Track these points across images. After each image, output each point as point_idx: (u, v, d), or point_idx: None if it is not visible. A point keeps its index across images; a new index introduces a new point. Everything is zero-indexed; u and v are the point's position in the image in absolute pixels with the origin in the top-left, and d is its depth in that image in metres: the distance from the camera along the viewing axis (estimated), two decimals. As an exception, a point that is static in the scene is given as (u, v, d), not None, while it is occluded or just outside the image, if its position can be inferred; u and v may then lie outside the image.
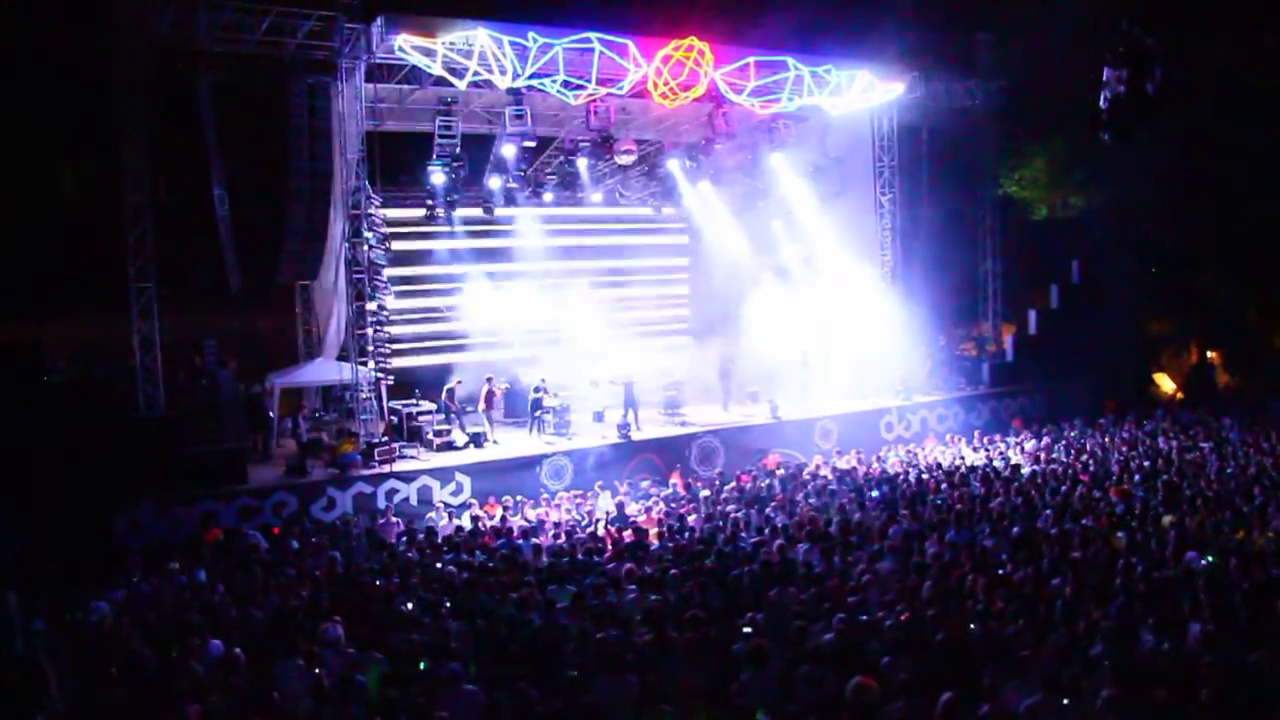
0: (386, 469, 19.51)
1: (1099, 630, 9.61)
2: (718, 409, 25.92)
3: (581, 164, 27.02)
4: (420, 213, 26.61)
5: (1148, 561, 12.01)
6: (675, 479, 21.29)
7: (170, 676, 9.65)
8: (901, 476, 19.82)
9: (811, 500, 17.78)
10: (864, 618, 10.32)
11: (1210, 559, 12.23)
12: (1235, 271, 30.03)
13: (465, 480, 19.93)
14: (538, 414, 23.32)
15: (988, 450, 23.29)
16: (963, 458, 22.44)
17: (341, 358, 21.86)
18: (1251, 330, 31.35)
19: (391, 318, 22.50)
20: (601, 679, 9.06)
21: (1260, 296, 30.33)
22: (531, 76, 20.95)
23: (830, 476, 20.32)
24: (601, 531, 16.48)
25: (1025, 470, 20.21)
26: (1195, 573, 11.50)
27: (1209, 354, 33.01)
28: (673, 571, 12.64)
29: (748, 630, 10.10)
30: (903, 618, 10.15)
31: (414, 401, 23.00)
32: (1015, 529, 14.30)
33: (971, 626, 10.23)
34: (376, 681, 9.18)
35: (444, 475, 19.85)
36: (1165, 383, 33.28)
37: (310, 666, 9.72)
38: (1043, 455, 21.99)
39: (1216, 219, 29.46)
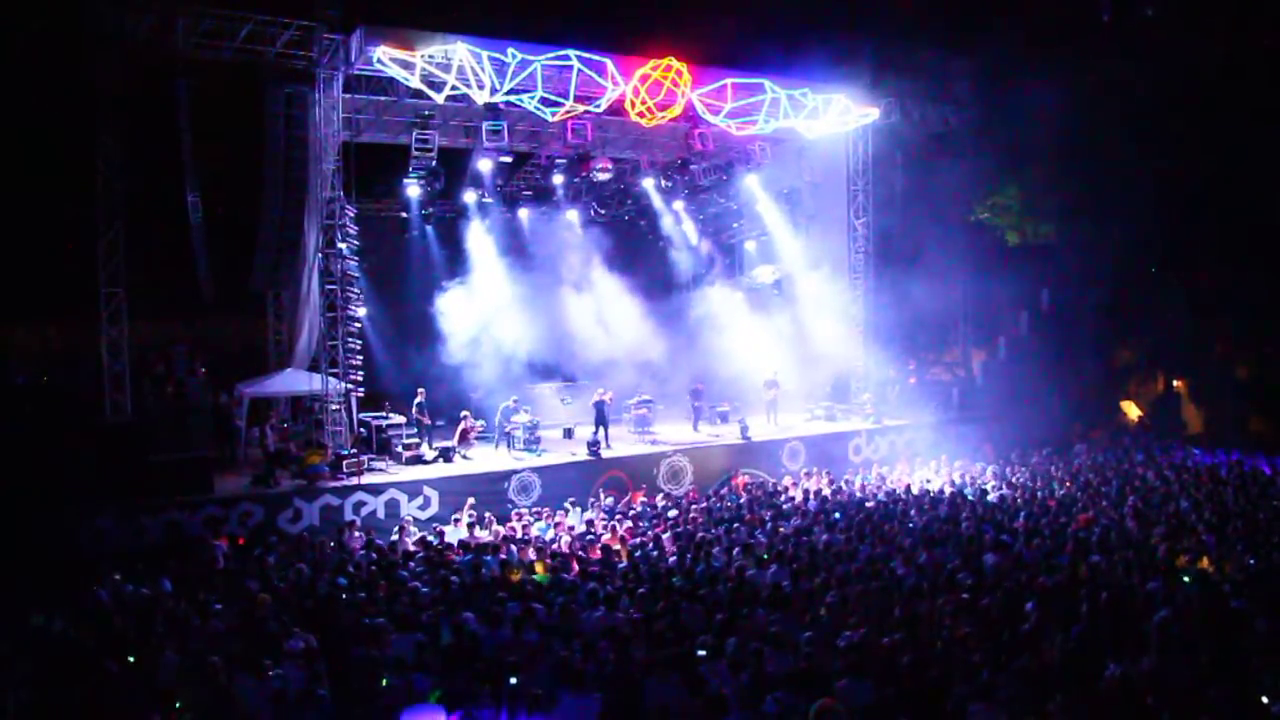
0: (354, 481, 19.40)
1: (1061, 656, 9.67)
2: (688, 428, 25.94)
3: (557, 180, 27.08)
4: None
5: (1111, 588, 12.10)
6: (639, 498, 21.27)
7: (131, 686, 9.55)
8: (870, 500, 19.89)
9: (781, 522, 17.79)
10: (833, 640, 10.33)
11: (1178, 587, 12.35)
12: (1201, 302, 30.38)
13: (433, 494, 19.81)
14: (508, 430, 23.26)
15: (955, 474, 23.41)
16: (929, 482, 22.54)
17: (312, 368, 21.73)
18: (1216, 360, 31.71)
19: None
20: (566, 697, 9.03)
21: (1225, 327, 30.69)
22: (509, 92, 21.00)
23: (800, 498, 20.38)
24: (568, 549, 16.47)
25: (993, 496, 20.36)
26: (1157, 601, 11.59)
27: (1175, 383, 33.36)
28: (641, 590, 12.64)
29: (702, 654, 10.06)
30: (884, 641, 10.16)
31: (384, 414, 22.88)
32: (982, 554, 14.38)
33: (937, 647, 10.27)
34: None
35: (412, 489, 19.73)
36: (1132, 410, 33.58)
37: (267, 679, 9.61)
38: (1011, 480, 22.13)
39: (1184, 251, 29.87)
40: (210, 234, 24.47)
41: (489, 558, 15.08)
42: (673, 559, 15.16)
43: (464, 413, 23.31)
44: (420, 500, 19.67)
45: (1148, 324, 32.43)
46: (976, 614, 11.32)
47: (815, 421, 27.72)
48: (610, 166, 26.48)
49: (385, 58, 19.80)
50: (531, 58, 20.83)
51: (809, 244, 30.01)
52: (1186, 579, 12.78)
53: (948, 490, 20.81)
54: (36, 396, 18.78)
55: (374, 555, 15.61)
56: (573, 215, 30.21)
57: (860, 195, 28.28)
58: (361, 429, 22.38)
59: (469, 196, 27.19)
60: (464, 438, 22.54)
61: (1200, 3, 29.30)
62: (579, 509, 19.66)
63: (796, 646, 10.05)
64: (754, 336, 28.87)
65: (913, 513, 18.10)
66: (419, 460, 21.36)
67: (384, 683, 9.50)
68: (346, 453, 19.94)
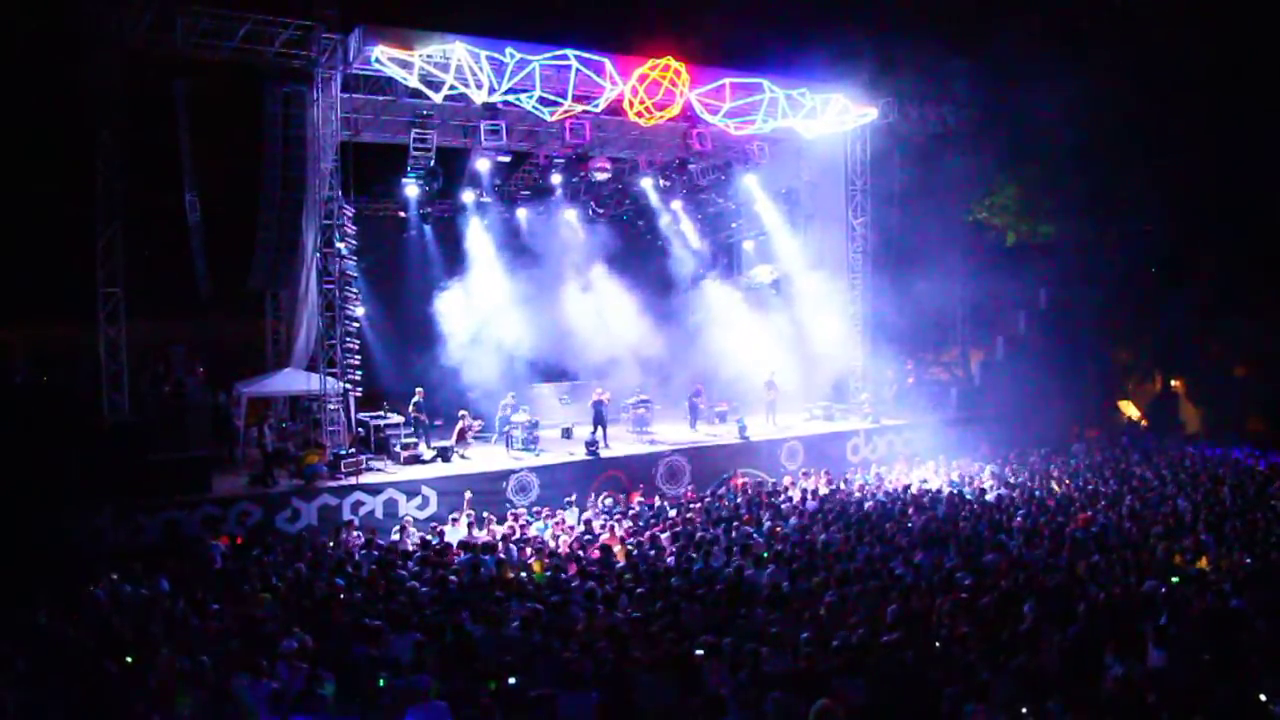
0: (352, 481, 19.38)
1: (1059, 656, 9.67)
2: (686, 428, 25.91)
3: (556, 179, 27.05)
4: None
5: (1109, 588, 12.10)
6: (636, 497, 21.27)
7: (129, 686, 9.54)
8: (869, 500, 19.88)
9: (779, 522, 17.79)
10: (830, 641, 10.31)
11: (1171, 585, 12.34)
12: (1200, 302, 30.43)
13: (431, 494, 19.80)
14: (506, 429, 23.24)
15: (953, 474, 23.41)
16: (927, 482, 22.53)
17: (311, 368, 21.72)
18: (1215, 360, 31.74)
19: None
20: (564, 696, 9.02)
21: (1224, 327, 30.73)
22: (508, 92, 20.97)
23: (798, 498, 20.38)
24: (566, 549, 16.47)
25: (991, 495, 20.36)
26: (1157, 600, 11.60)
27: (1173, 383, 33.41)
28: (639, 590, 12.62)
29: (700, 653, 10.05)
30: (886, 639, 10.14)
31: (382, 414, 22.85)
32: (981, 554, 14.38)
33: (936, 646, 10.27)
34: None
35: (410, 488, 19.71)
36: (1130, 409, 33.62)
37: (263, 679, 9.58)
38: (1009, 480, 22.14)
39: (1184, 251, 29.88)
40: (208, 234, 24.47)
41: (487, 557, 15.07)
42: (671, 559, 15.16)
43: (462, 412, 23.27)
44: (419, 500, 19.64)
45: (1146, 324, 32.45)
46: (975, 614, 11.32)
47: (813, 421, 27.69)
48: (609, 166, 26.46)
49: (383, 57, 19.78)
50: (530, 57, 20.81)
51: (807, 244, 30.01)
52: (1184, 579, 12.79)
53: (946, 490, 20.81)
54: (35, 396, 18.72)
55: (374, 554, 15.60)
56: (571, 215, 30.11)
57: (859, 195, 28.23)
58: (359, 429, 22.36)
59: (467, 196, 27.16)
60: (462, 437, 22.53)
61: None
62: (577, 509, 19.65)
63: (795, 646, 10.04)
64: (752, 336, 28.82)
65: (911, 512, 18.10)
66: (417, 460, 21.33)
67: (380, 683, 9.49)
68: (344, 452, 19.92)
